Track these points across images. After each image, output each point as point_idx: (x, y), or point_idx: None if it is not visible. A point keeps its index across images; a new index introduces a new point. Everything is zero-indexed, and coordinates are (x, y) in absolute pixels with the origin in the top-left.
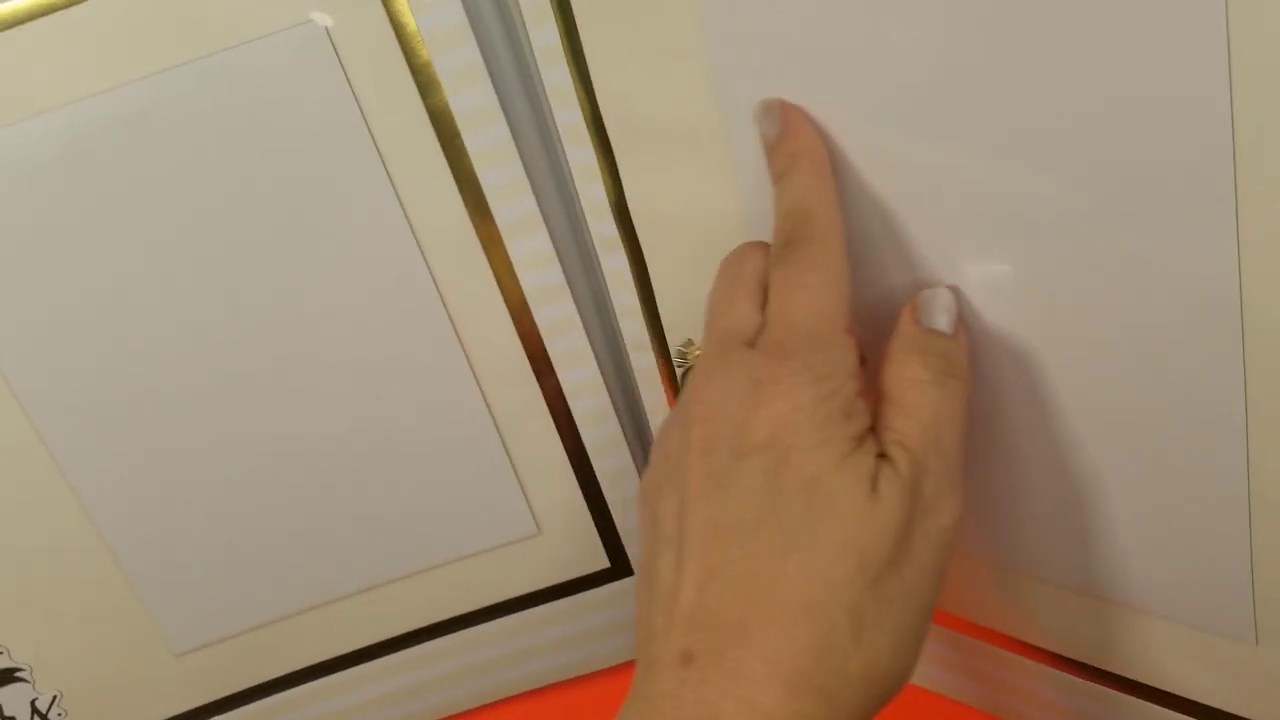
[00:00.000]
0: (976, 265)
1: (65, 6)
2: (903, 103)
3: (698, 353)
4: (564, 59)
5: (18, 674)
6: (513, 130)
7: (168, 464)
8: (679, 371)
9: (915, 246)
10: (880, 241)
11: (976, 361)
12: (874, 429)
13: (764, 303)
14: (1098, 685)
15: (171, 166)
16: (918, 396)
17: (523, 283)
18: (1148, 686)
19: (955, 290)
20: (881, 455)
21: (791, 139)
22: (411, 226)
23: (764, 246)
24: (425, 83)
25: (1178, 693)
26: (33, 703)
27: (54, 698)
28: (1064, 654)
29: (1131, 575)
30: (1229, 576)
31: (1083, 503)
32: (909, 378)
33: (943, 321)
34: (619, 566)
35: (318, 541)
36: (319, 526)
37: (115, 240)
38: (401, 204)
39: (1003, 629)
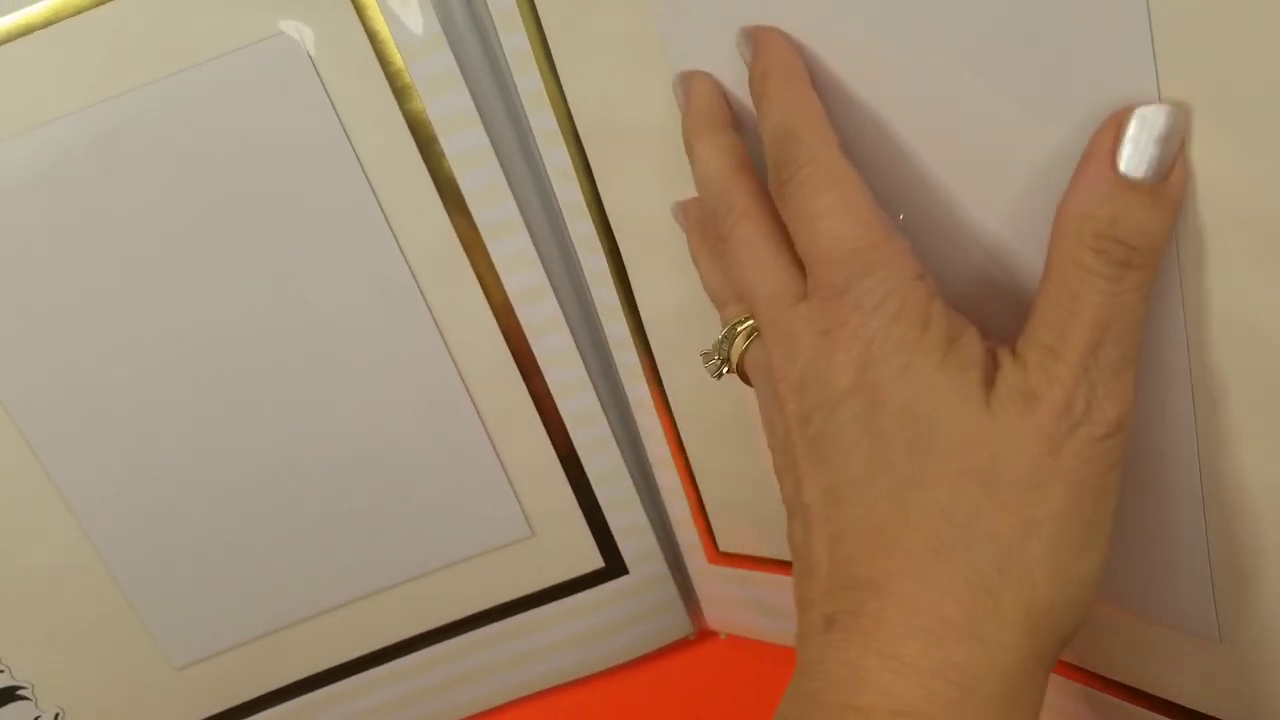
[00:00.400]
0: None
1: (40, 27)
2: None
3: (746, 325)
4: (534, 63)
5: (19, 692)
6: (490, 134)
7: (160, 479)
8: (733, 347)
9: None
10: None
11: None
12: (1015, 339)
13: (790, 247)
14: (1068, 680)
15: (151, 183)
16: (1087, 290)
17: (505, 284)
18: (1120, 684)
19: (1180, 109)
20: (1016, 356)
21: (762, 59)
22: (393, 232)
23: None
24: (401, 89)
25: (1148, 690)
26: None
27: (56, 715)
28: None
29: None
30: (1190, 572)
31: None
32: (1076, 261)
33: (1151, 165)
34: (613, 566)
35: (312, 551)
36: (312, 536)
37: (98, 258)
38: (383, 210)
39: None
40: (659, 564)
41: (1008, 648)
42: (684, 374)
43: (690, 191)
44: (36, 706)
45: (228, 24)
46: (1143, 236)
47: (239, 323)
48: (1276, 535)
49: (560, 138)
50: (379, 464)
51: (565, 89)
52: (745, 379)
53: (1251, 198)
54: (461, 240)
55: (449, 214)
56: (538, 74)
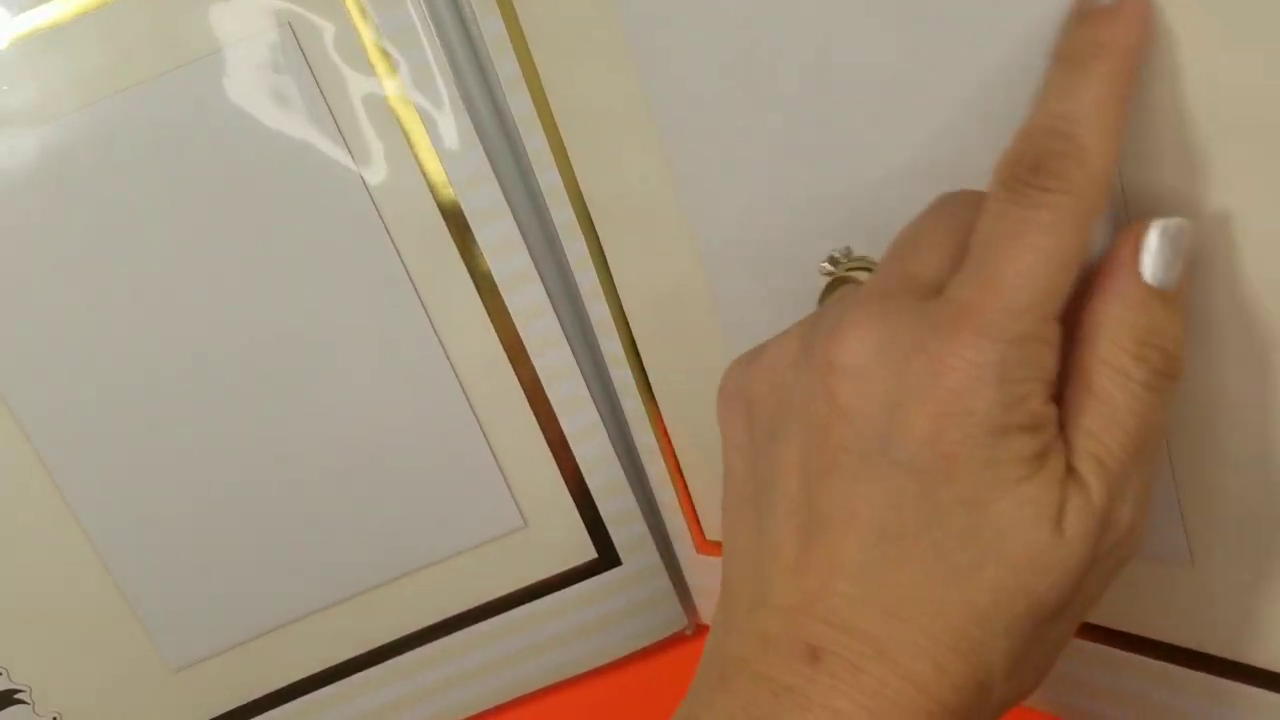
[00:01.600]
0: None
1: (47, 26)
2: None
3: (853, 269)
4: (510, 47)
5: (17, 695)
6: (475, 122)
7: (157, 477)
8: (824, 281)
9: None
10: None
11: None
12: (1061, 426)
13: (961, 256)
14: None
15: (153, 180)
16: (1128, 398)
17: (492, 269)
18: (1087, 625)
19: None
20: (1070, 469)
21: (1109, 24)
22: (384, 222)
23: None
24: (387, 82)
25: (1109, 626)
26: None
27: (54, 718)
28: None
29: None
30: (1156, 498)
31: None
32: (1119, 369)
33: (1174, 274)
34: (606, 557)
35: (308, 549)
36: (308, 534)
37: (101, 255)
38: (372, 198)
39: None
40: (651, 555)
41: None
42: (666, 359)
43: (663, 180)
44: (34, 710)
45: (230, 19)
46: (1177, 344)
47: (233, 320)
48: (1243, 445)
49: (538, 124)
50: (371, 458)
51: (541, 76)
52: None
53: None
54: (450, 227)
55: (436, 202)
56: (515, 60)
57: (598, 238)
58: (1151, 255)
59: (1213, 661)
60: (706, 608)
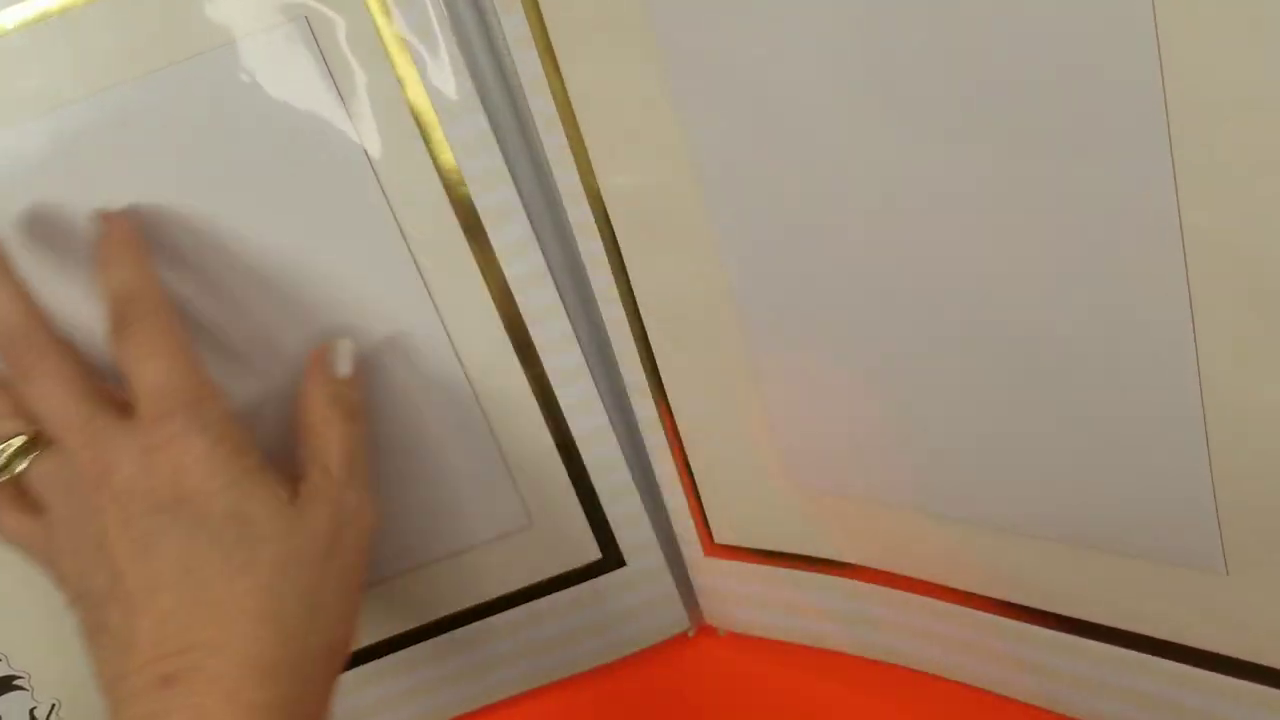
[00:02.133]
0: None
1: (57, 14)
2: (849, 93)
3: (21, 441)
4: (534, 48)
5: (16, 682)
6: (491, 120)
7: None
8: (13, 462)
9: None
10: None
11: (919, 313)
12: (297, 458)
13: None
14: (1059, 633)
15: (164, 169)
16: (336, 433)
17: (505, 269)
18: (1112, 629)
19: (351, 341)
20: (301, 477)
21: (107, 231)
22: (396, 218)
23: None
24: (404, 78)
25: (1146, 633)
26: (31, 711)
27: (52, 706)
28: (1019, 602)
29: (1088, 513)
30: (1191, 504)
31: (1031, 439)
32: (327, 418)
33: (347, 367)
34: (610, 557)
35: None
36: None
37: None
38: (385, 194)
39: (948, 580)
40: (656, 556)
41: (316, 675)
42: (680, 361)
43: (686, 179)
44: (33, 697)
45: (245, 10)
46: (357, 396)
47: (240, 308)
48: None
49: (558, 123)
50: (378, 452)
51: (565, 77)
52: (16, 495)
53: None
54: (463, 226)
55: (450, 199)
56: (537, 57)
57: (614, 238)
58: (336, 358)
59: (1246, 667)
60: (711, 609)
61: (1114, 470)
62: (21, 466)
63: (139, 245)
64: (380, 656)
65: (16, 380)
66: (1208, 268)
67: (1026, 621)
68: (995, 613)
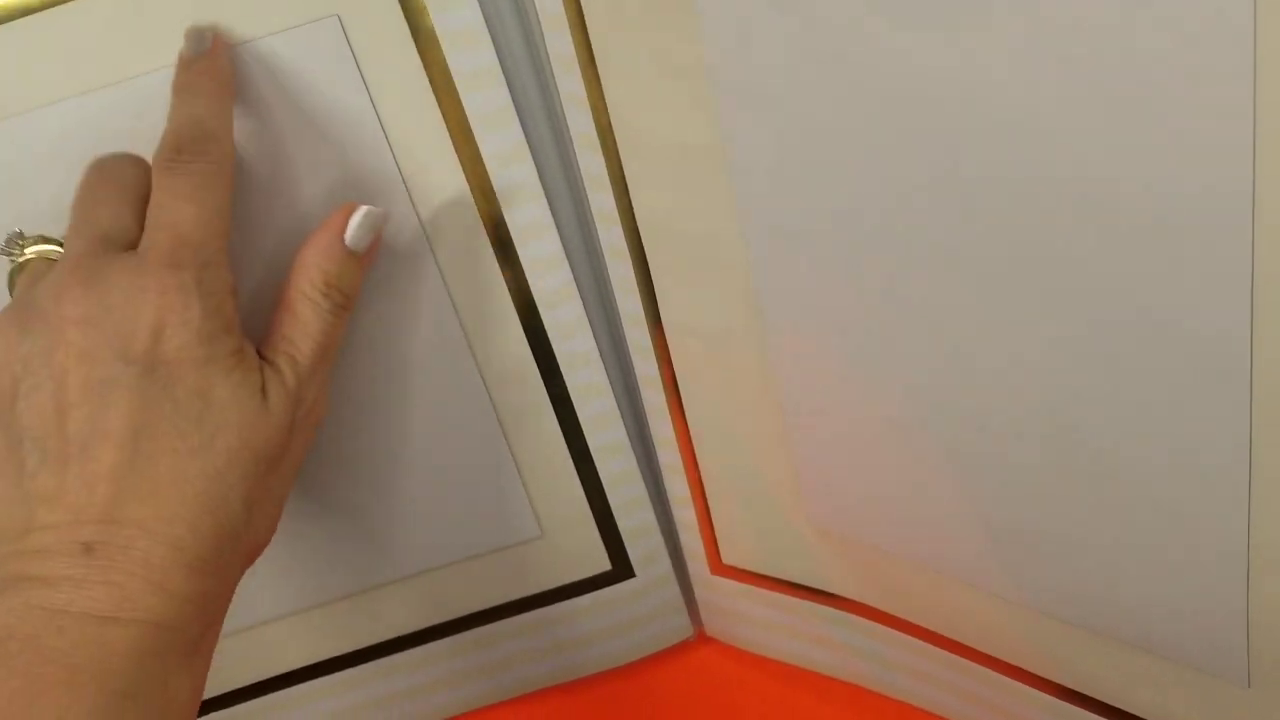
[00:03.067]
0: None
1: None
2: (902, 138)
3: (37, 247)
4: (578, 67)
5: None
6: (526, 133)
7: None
8: (10, 266)
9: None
10: None
11: (993, 408)
12: (265, 335)
13: (142, 212)
14: (1061, 701)
15: None
16: (318, 325)
17: (532, 285)
18: (1120, 711)
19: (382, 212)
20: (267, 361)
21: (210, 60)
22: (423, 225)
23: (141, 161)
24: (440, 82)
25: None
26: None
27: None
28: (1028, 668)
29: (1116, 606)
30: (1224, 620)
31: (1069, 528)
32: (315, 303)
33: (364, 240)
34: (620, 569)
35: (318, 541)
36: (322, 525)
37: None
38: (413, 201)
39: (956, 635)
40: (665, 567)
41: (234, 573)
42: (703, 386)
43: (724, 204)
44: None
45: (277, 6)
46: (354, 288)
47: (266, 310)
48: None
49: (596, 143)
50: (393, 456)
51: (606, 96)
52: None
53: None
54: (491, 238)
55: (480, 210)
56: (579, 78)
57: (645, 260)
58: (355, 225)
59: None
60: (716, 627)
61: (1149, 571)
62: (22, 258)
63: (225, 82)
64: (386, 655)
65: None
66: (1272, 415)
67: (1031, 685)
68: (1000, 671)
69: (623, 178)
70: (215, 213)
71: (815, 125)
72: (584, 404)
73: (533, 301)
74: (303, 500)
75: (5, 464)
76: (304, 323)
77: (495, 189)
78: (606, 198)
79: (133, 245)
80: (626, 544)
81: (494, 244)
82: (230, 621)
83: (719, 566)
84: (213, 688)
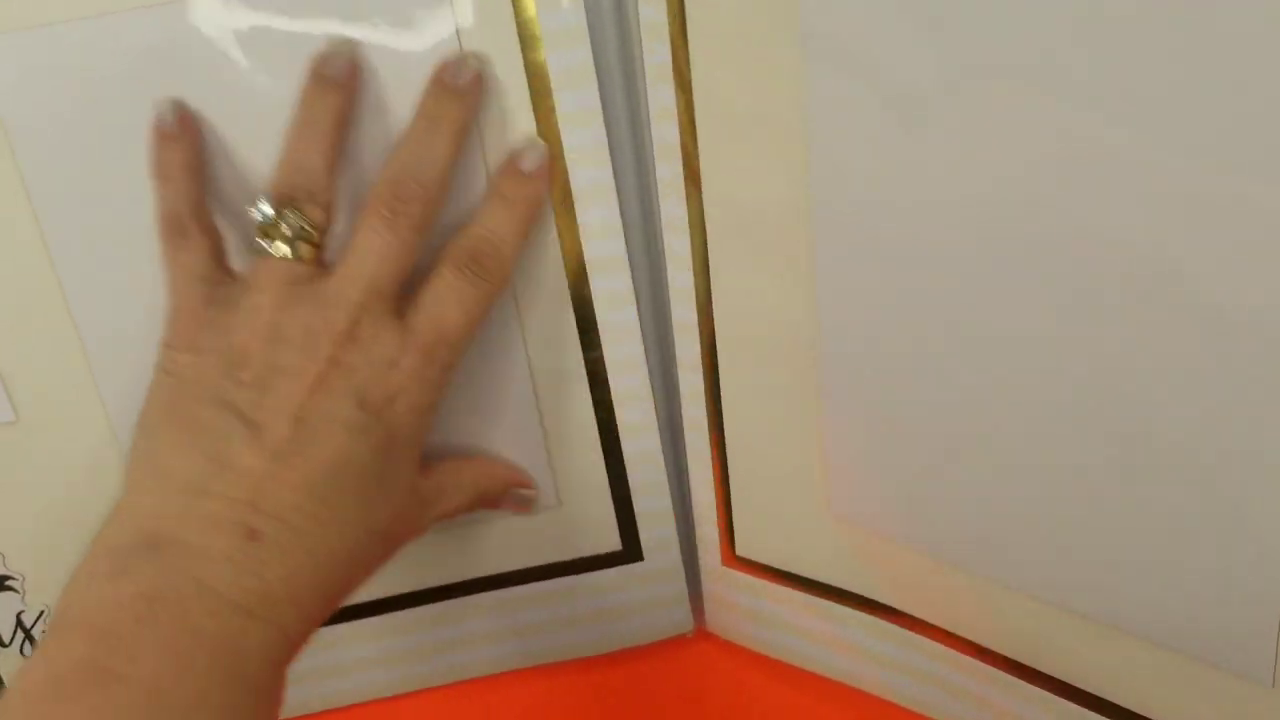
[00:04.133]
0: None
1: None
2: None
3: (293, 224)
4: (667, 35)
5: (9, 582)
6: (602, 97)
7: None
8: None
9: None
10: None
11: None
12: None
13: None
14: (1071, 704)
15: (251, 80)
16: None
17: (585, 250)
18: (1134, 714)
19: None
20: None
21: (542, 182)
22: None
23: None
24: (526, 37)
25: None
26: (18, 615)
27: (40, 613)
28: (1049, 672)
29: (1146, 602)
30: (1255, 621)
31: (1105, 525)
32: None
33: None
34: (630, 550)
35: None
36: None
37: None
38: (485, 158)
39: (978, 638)
40: (674, 556)
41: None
42: (743, 373)
43: (793, 181)
44: (23, 601)
45: None
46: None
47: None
48: None
49: (674, 114)
50: None
51: (691, 61)
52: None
53: None
54: (553, 199)
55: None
56: (667, 45)
57: (705, 240)
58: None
59: None
60: (719, 619)
61: (1182, 568)
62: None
63: (536, 207)
64: (386, 612)
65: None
66: None
67: (1049, 690)
68: (1021, 677)
69: (695, 149)
70: (476, 327)
71: (903, 109)
72: (618, 378)
73: (584, 267)
74: None
75: (213, 420)
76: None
77: (564, 146)
78: (675, 169)
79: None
80: (640, 526)
81: (555, 205)
82: None
83: (730, 558)
84: None
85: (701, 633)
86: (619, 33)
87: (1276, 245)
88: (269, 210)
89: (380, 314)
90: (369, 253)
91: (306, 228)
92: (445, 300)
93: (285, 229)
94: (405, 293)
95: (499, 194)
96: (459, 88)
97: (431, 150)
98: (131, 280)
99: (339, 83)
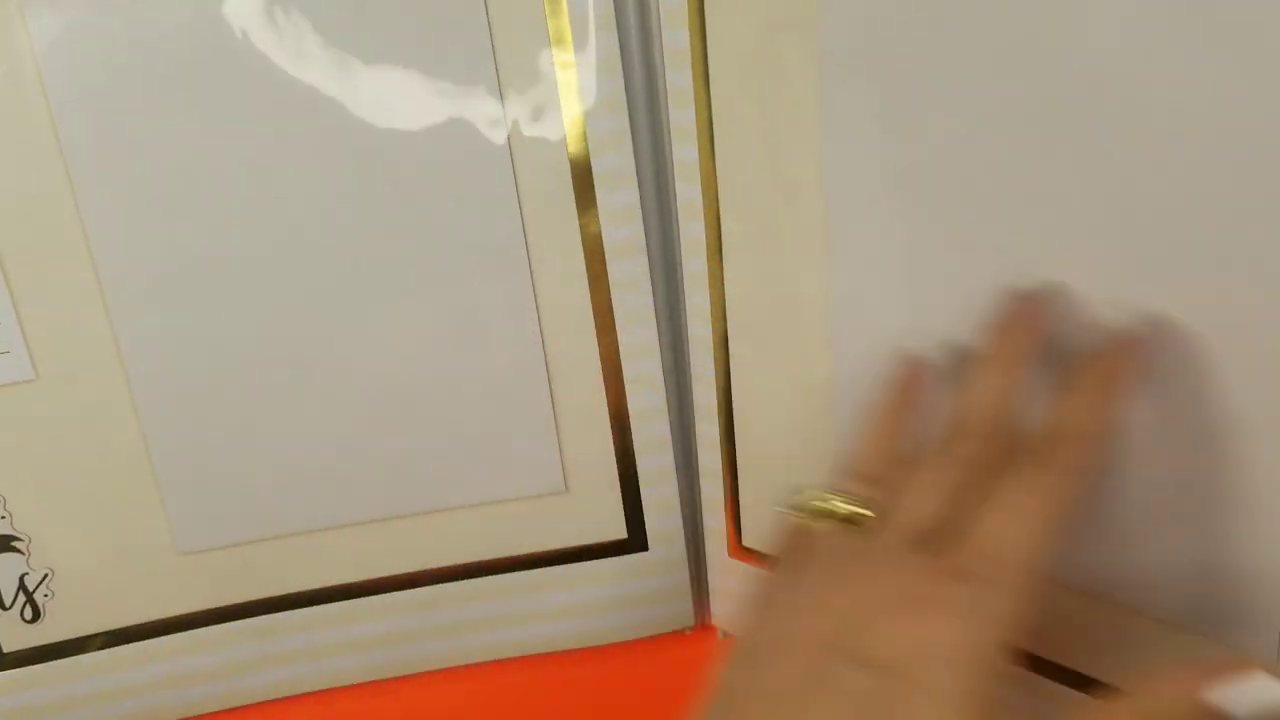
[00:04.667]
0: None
1: None
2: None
3: (821, 503)
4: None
5: (14, 543)
6: (628, 84)
7: (222, 358)
8: (789, 519)
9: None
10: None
11: None
12: None
13: (960, 500)
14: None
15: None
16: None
17: (605, 234)
18: None
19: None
20: None
21: (1125, 359)
22: (514, 166)
23: (988, 443)
24: (551, 6)
25: None
26: (21, 578)
27: (44, 576)
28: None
29: (1171, 583)
30: (1264, 602)
31: (1148, 512)
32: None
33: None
34: (635, 539)
35: (346, 463)
36: (352, 448)
37: (225, 130)
38: (510, 146)
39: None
40: (679, 547)
41: None
42: (752, 356)
43: (800, 179)
44: (27, 563)
45: None
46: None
47: (340, 223)
48: None
49: (690, 94)
50: (436, 388)
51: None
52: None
53: None
54: (575, 183)
55: (569, 156)
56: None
57: (718, 221)
58: (1226, 691)
59: None
60: (725, 611)
61: (1201, 556)
62: (824, 519)
63: (1126, 393)
64: (388, 591)
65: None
66: None
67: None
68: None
69: (711, 136)
70: (1046, 534)
71: (910, 83)
72: (631, 362)
73: (602, 250)
74: (340, 423)
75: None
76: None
77: (587, 133)
78: (690, 149)
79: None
80: (646, 515)
81: (575, 188)
82: (230, 532)
83: (737, 548)
84: (203, 600)
85: (700, 630)
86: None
87: None
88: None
89: (937, 580)
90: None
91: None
92: (1006, 505)
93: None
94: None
95: (1101, 387)
96: (1029, 325)
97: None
98: (159, 242)
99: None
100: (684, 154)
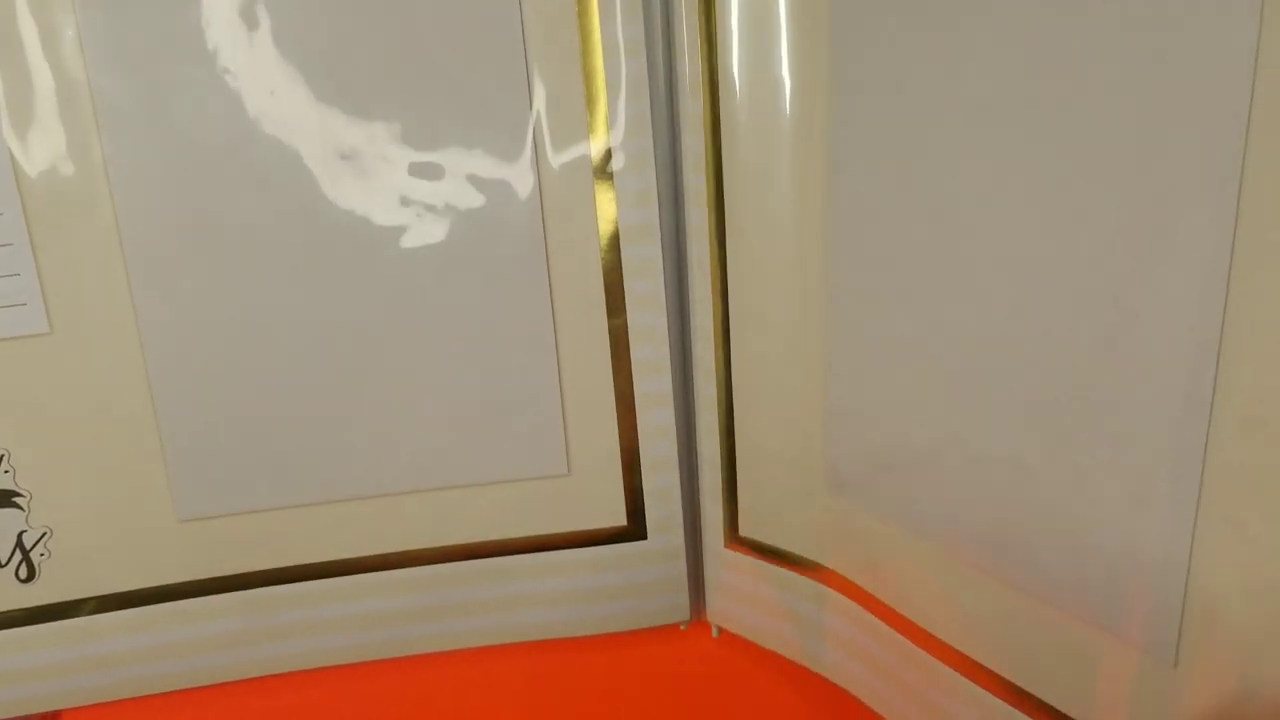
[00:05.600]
0: None
1: None
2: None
3: None
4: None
5: (15, 499)
6: (649, 65)
7: (235, 325)
8: None
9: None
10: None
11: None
12: None
13: None
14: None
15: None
16: None
17: (620, 217)
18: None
19: None
20: None
21: None
22: (535, 153)
23: None
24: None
25: (1071, 713)
26: (19, 535)
27: (42, 534)
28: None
29: (1057, 573)
30: (1162, 591)
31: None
32: None
33: None
34: (635, 527)
35: (351, 438)
36: (357, 423)
37: (259, 107)
38: (533, 129)
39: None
40: (677, 540)
41: None
42: (752, 344)
43: (804, 173)
44: (27, 521)
45: None
46: None
47: (351, 192)
48: (1268, 569)
49: (700, 89)
50: (444, 365)
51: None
52: None
53: None
54: (594, 166)
55: (590, 135)
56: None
57: (722, 210)
58: None
59: None
60: (718, 604)
61: (1097, 540)
62: None
63: None
64: (384, 570)
65: None
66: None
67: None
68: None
69: (717, 126)
70: None
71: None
72: (639, 344)
73: (617, 234)
74: (347, 394)
75: None
76: None
77: (609, 111)
78: (697, 140)
79: None
80: (647, 503)
81: (595, 171)
82: (231, 502)
83: (734, 539)
84: (200, 570)
85: (695, 626)
86: None
87: None
88: None
89: None
90: None
91: None
92: None
93: None
94: None
95: None
96: None
97: None
98: (181, 209)
99: None
100: (692, 145)
